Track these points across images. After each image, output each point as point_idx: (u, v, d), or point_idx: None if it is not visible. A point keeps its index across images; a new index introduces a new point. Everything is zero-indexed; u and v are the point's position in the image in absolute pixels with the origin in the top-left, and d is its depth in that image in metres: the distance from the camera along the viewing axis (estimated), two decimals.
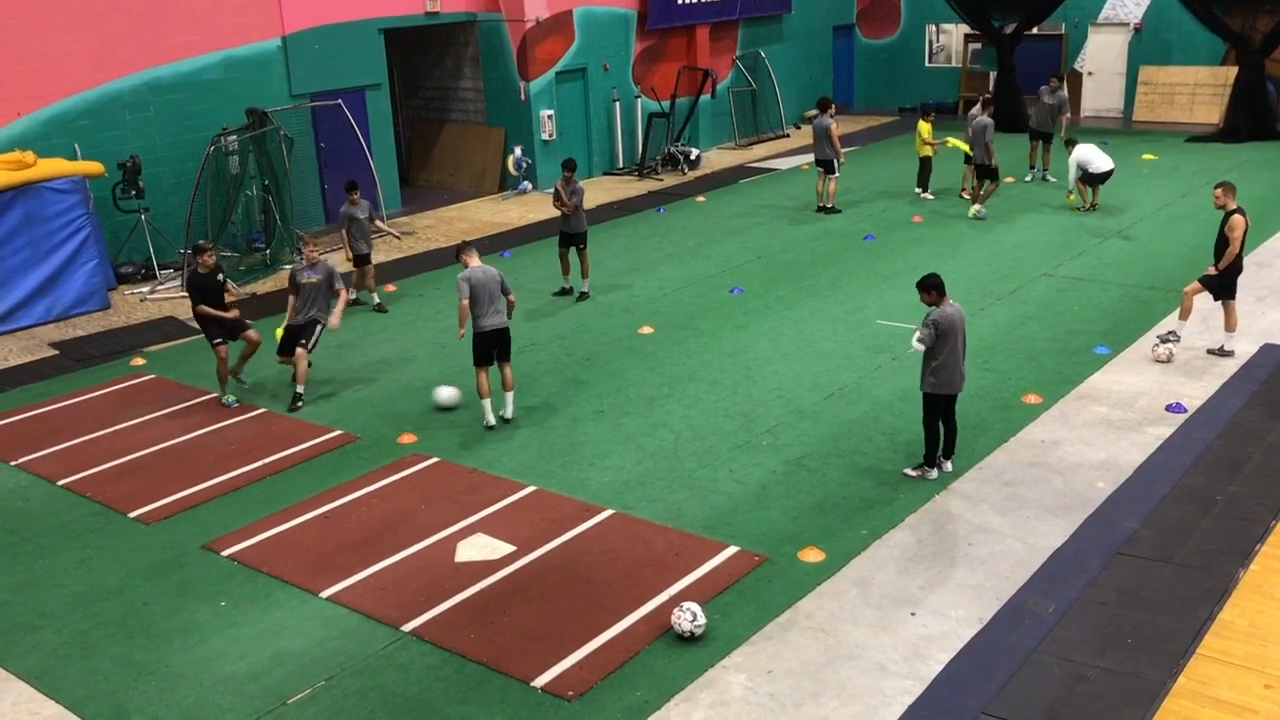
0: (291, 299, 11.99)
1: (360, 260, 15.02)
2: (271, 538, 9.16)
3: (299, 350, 11.84)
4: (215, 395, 12.17)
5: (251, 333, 11.99)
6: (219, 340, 11.76)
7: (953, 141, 19.67)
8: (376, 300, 15.13)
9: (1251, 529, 8.46)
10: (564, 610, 7.93)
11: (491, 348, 11.02)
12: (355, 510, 9.57)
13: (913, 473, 9.67)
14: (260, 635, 7.86)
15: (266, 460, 10.60)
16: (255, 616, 8.09)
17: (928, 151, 19.74)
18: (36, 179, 14.78)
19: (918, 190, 20.09)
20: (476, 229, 19.35)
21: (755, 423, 10.90)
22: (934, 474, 9.63)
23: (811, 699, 6.89)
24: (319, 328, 12.02)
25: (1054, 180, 20.68)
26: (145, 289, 16.33)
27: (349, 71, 19.55)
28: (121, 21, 16.66)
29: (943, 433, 9.67)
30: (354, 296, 15.00)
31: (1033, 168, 21.16)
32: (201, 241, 12.03)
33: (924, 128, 19.60)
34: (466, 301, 10.73)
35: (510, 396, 11.24)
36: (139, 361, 13.51)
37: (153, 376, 12.96)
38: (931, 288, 9.38)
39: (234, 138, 16.47)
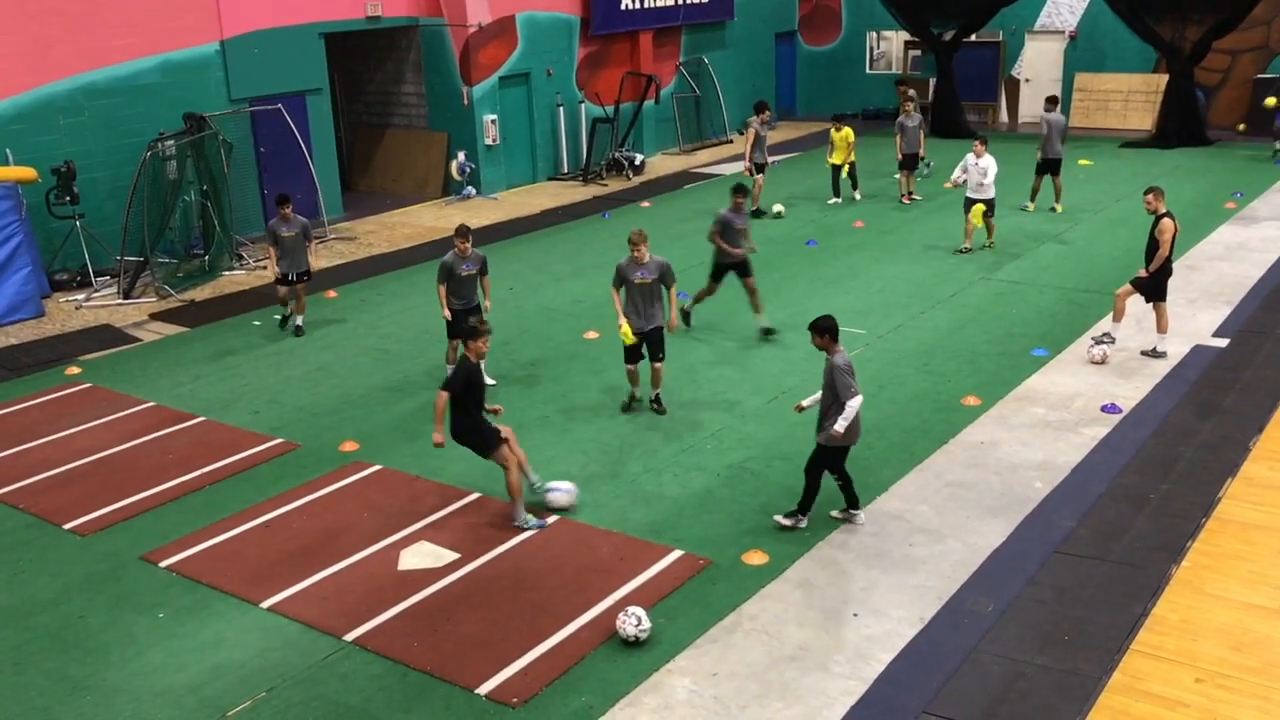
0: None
1: (281, 280, 13.93)
2: (211, 548, 9.03)
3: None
4: (153, 405, 11.99)
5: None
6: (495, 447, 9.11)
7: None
8: (298, 321, 14.20)
9: (1183, 526, 8.65)
10: (508, 617, 7.91)
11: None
12: (296, 519, 9.46)
13: (785, 521, 8.88)
14: (200, 647, 7.74)
15: (205, 469, 10.45)
16: (194, 628, 7.97)
17: (840, 159, 20.11)
18: None
19: (855, 195, 20.44)
20: (419, 234, 19.23)
21: (699, 427, 10.94)
22: (804, 522, 8.88)
23: (756, 701, 6.94)
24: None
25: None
26: (80, 296, 16.03)
27: (289, 76, 19.32)
28: (53, 24, 16.34)
29: (840, 485, 8.90)
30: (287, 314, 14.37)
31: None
32: (483, 324, 9.28)
33: (842, 136, 19.96)
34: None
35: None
36: (74, 370, 13.25)
37: (88, 385, 12.72)
38: (825, 331, 8.45)
39: (171, 143, 16.22)
